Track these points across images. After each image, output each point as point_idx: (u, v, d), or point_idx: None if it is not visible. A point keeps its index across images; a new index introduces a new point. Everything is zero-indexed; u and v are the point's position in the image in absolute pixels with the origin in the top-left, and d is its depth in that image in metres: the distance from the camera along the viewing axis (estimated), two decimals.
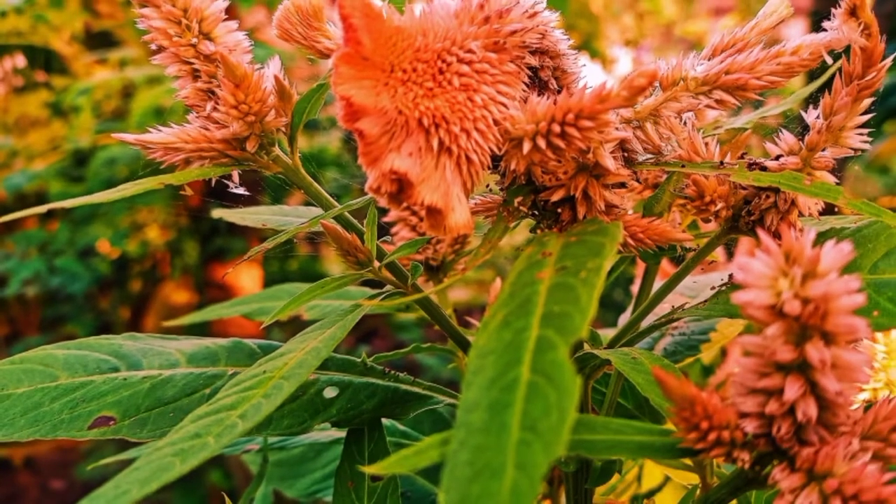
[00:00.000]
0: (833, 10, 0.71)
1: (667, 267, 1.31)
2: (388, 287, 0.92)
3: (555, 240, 0.68)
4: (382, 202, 0.63)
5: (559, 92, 0.74)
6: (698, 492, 0.73)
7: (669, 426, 0.63)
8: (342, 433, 0.98)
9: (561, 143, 0.64)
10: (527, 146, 0.65)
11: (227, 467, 3.91)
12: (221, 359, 0.94)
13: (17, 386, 0.86)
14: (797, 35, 0.73)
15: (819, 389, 0.55)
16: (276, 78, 0.82)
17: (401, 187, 0.61)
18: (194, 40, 0.81)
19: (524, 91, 0.69)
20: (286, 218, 1.01)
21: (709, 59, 0.76)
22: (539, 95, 0.70)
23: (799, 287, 0.51)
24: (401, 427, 1.25)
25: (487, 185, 0.80)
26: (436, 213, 0.62)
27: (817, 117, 0.76)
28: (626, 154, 0.77)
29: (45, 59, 4.87)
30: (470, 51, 0.65)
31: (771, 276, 0.52)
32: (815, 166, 0.77)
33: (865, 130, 0.75)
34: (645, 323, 0.92)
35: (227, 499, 0.99)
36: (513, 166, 0.68)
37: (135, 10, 0.81)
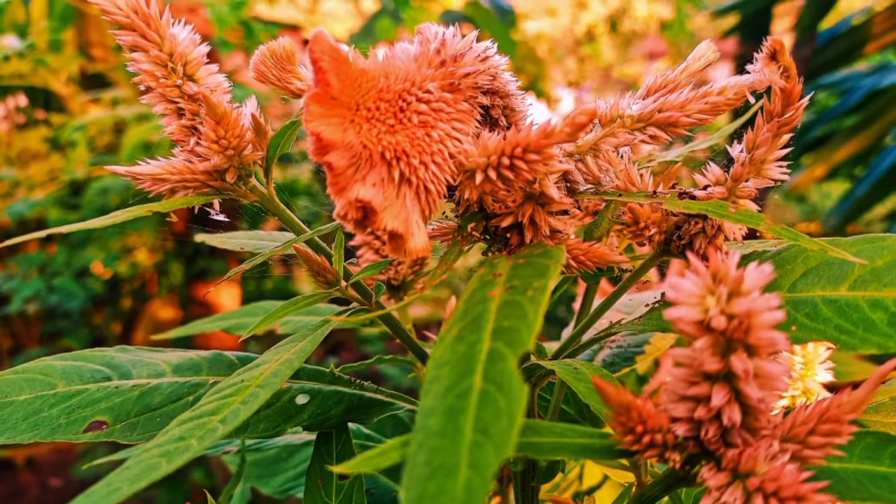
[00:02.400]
0: (756, 54, 0.72)
1: (605, 286, 1.31)
2: (354, 304, 0.91)
3: (504, 262, 0.68)
4: (349, 228, 0.63)
5: (508, 128, 0.73)
6: (634, 489, 0.73)
7: (608, 430, 0.63)
8: (313, 436, 0.98)
9: (510, 175, 0.64)
10: (479, 177, 0.65)
11: (208, 467, 3.88)
12: (203, 369, 0.93)
13: (18, 393, 0.86)
14: (723, 77, 0.74)
15: (743, 397, 0.55)
16: (252, 116, 0.82)
17: (365, 214, 0.61)
18: (179, 82, 0.80)
19: (477, 127, 0.69)
20: (262, 242, 1.01)
21: (643, 99, 0.77)
22: (490, 131, 0.70)
23: (725, 304, 0.51)
24: (365, 431, 1.25)
25: (444, 213, 0.80)
26: (397, 238, 0.62)
27: (741, 151, 0.76)
28: (568, 184, 0.77)
29: (44, 99, 4.86)
30: (428, 91, 0.65)
31: (699, 294, 0.52)
32: (740, 195, 0.77)
33: (785, 163, 0.76)
34: (586, 336, 0.92)
35: (208, 496, 0.98)
36: (466, 195, 0.68)
37: (125, 55, 0.80)
